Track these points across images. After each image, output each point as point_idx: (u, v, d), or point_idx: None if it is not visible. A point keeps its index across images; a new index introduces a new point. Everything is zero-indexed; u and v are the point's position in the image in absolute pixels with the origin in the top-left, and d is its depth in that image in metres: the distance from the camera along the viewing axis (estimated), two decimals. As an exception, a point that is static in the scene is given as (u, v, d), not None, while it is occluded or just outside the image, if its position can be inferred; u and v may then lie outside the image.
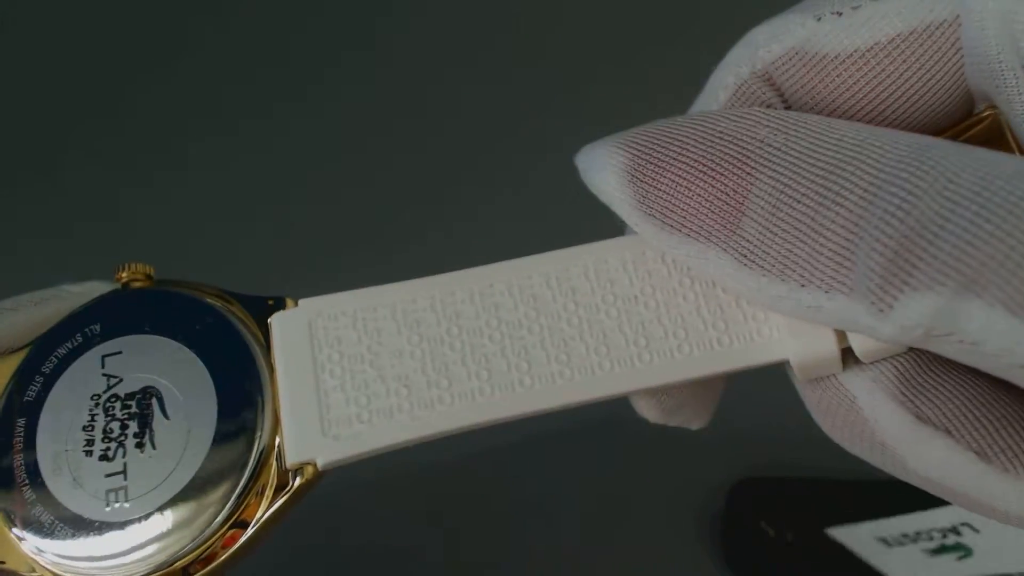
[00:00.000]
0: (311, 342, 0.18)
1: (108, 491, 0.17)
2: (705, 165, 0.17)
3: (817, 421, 0.18)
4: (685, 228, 0.17)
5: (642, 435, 0.30)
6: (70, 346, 0.18)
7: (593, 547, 0.29)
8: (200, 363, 0.18)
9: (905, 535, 0.27)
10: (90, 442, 0.18)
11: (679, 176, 0.17)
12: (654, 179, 0.17)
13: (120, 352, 0.18)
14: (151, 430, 0.18)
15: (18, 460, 0.18)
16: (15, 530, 0.17)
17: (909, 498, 0.28)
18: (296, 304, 0.19)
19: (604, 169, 0.17)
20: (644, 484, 0.29)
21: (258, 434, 0.18)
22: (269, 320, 0.19)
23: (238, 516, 0.17)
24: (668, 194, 0.17)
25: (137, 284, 0.19)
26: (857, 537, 0.28)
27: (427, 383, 0.18)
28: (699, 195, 0.17)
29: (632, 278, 0.18)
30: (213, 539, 0.17)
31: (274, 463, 0.18)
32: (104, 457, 0.17)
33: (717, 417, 0.31)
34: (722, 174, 0.16)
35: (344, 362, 0.18)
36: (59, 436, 0.18)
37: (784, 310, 0.16)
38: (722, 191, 0.16)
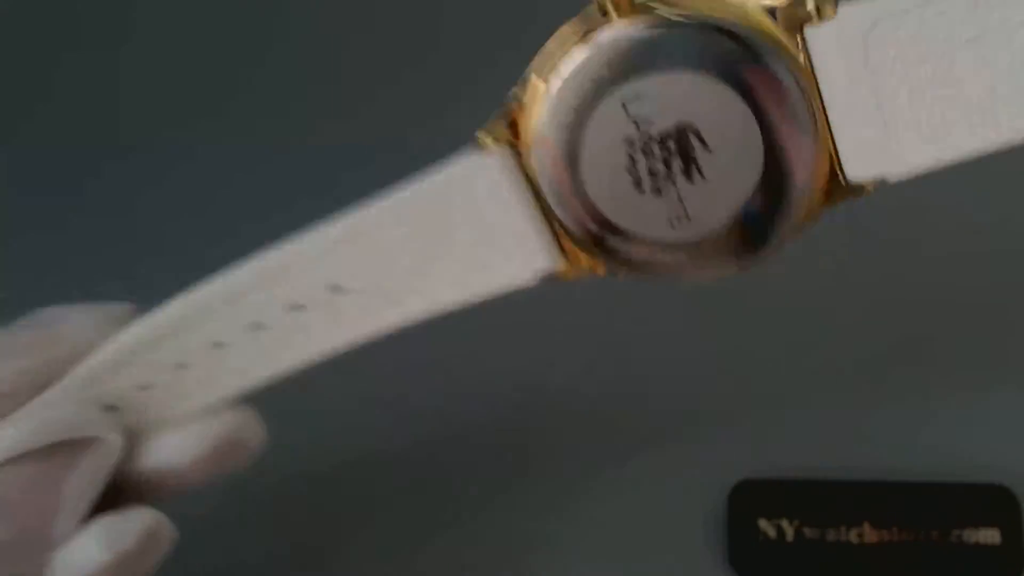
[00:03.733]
0: (864, 47, 0.16)
1: (669, 219, 0.18)
2: None
3: None
4: None
5: (641, 435, 0.30)
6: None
7: (592, 547, 0.29)
8: (727, 88, 0.17)
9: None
10: (638, 182, 0.18)
11: None
12: None
13: (638, 97, 0.17)
14: (696, 162, 0.17)
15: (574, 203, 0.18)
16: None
17: (910, 497, 0.28)
18: (834, 11, 0.16)
19: None
20: (643, 484, 0.29)
21: (810, 149, 0.17)
22: (806, 30, 0.16)
23: (800, 222, 0.17)
24: None
25: (623, 15, 0.17)
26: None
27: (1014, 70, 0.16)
28: None
29: None
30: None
31: (834, 178, 0.17)
32: (656, 192, 0.18)
33: (717, 418, 0.31)
34: None
35: (906, 67, 0.16)
36: (609, 181, 0.18)
37: None
38: None
